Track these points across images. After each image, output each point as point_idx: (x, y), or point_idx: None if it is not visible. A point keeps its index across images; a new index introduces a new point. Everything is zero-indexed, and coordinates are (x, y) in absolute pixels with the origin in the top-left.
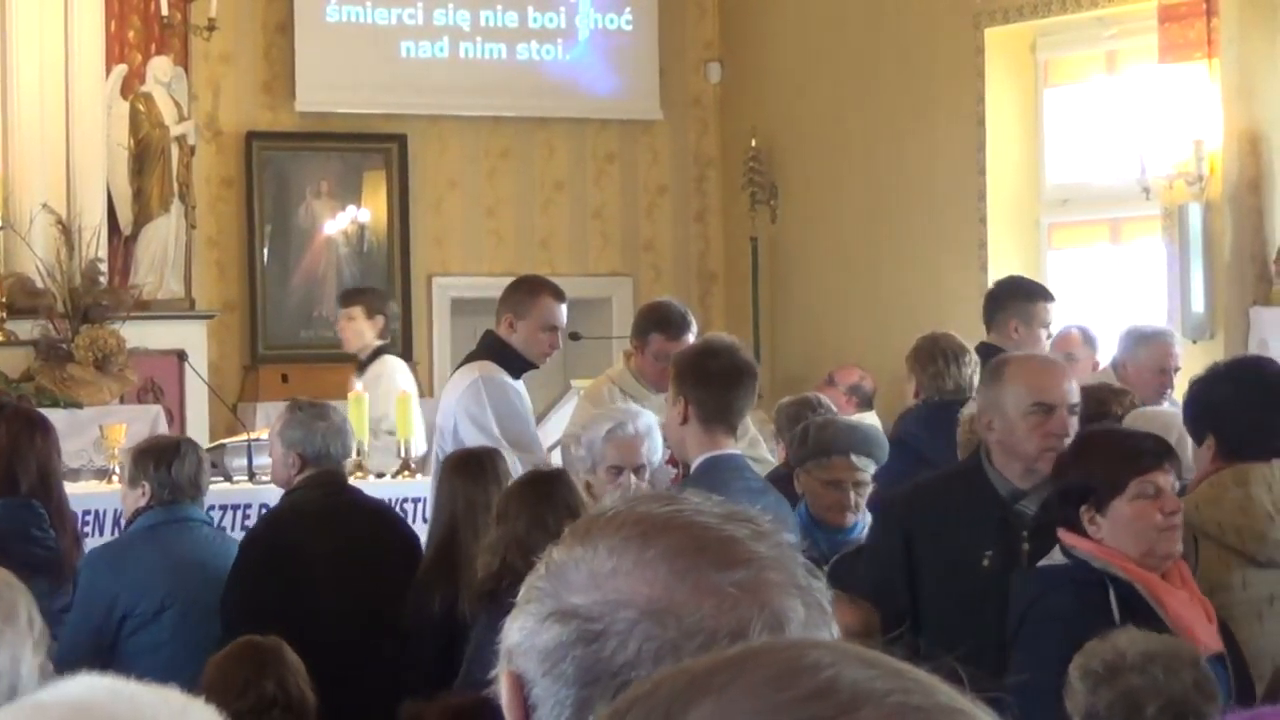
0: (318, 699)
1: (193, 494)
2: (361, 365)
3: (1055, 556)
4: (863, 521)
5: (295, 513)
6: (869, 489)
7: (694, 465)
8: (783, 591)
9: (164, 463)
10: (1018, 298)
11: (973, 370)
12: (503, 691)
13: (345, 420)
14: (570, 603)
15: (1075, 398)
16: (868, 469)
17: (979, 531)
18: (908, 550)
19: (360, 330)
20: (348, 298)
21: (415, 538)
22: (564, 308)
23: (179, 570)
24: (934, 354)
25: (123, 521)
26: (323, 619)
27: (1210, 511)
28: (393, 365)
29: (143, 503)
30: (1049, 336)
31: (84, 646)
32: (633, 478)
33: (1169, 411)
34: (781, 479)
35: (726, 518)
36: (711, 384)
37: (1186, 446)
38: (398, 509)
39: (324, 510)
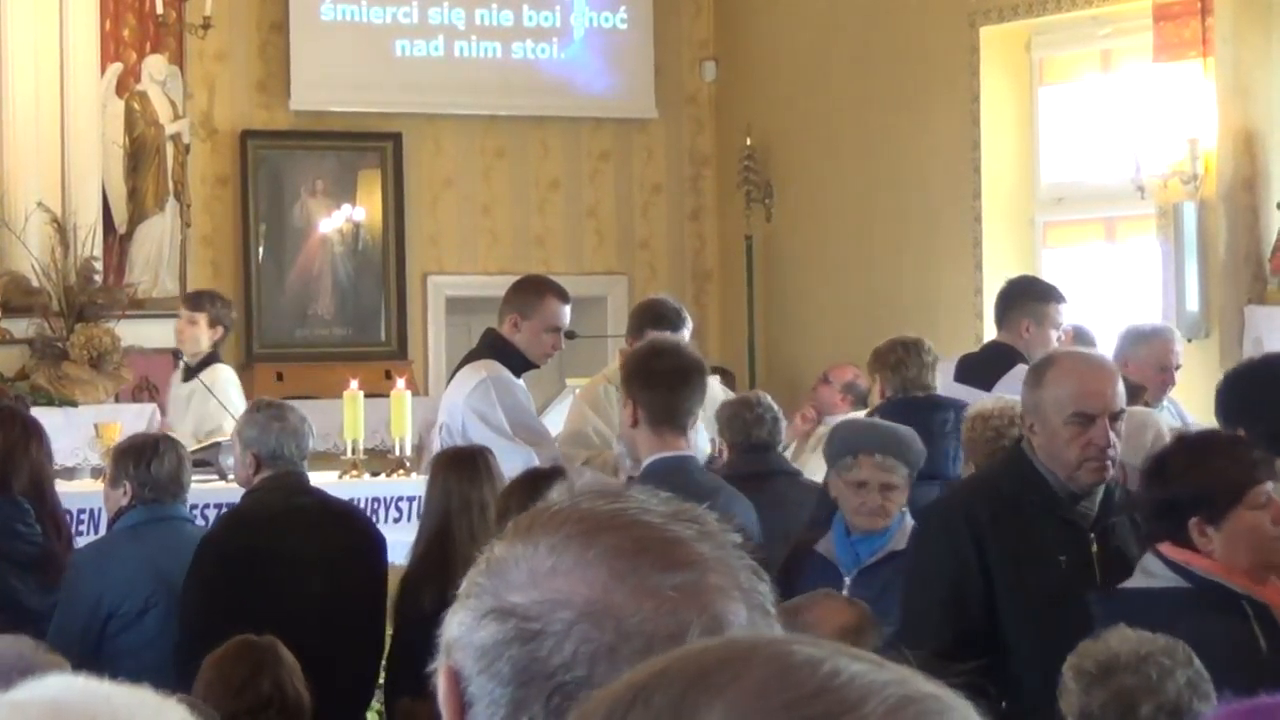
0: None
1: (174, 492)
2: (190, 370)
3: (1150, 572)
4: (894, 528)
5: (252, 514)
6: (901, 495)
7: (643, 466)
8: (724, 595)
9: (144, 461)
10: (1031, 297)
11: (933, 360)
12: (439, 685)
13: (304, 421)
14: (509, 601)
15: (1119, 404)
16: (897, 471)
17: (1046, 533)
18: (980, 552)
19: (199, 336)
20: (197, 301)
21: (381, 538)
22: (568, 309)
23: (162, 569)
24: (892, 349)
25: (105, 521)
26: (282, 620)
27: None
28: (225, 375)
29: (124, 502)
30: (1059, 339)
31: (70, 647)
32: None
33: (1144, 410)
34: (729, 481)
35: (672, 517)
36: (658, 386)
37: (1162, 445)
38: (394, 508)
39: (284, 511)
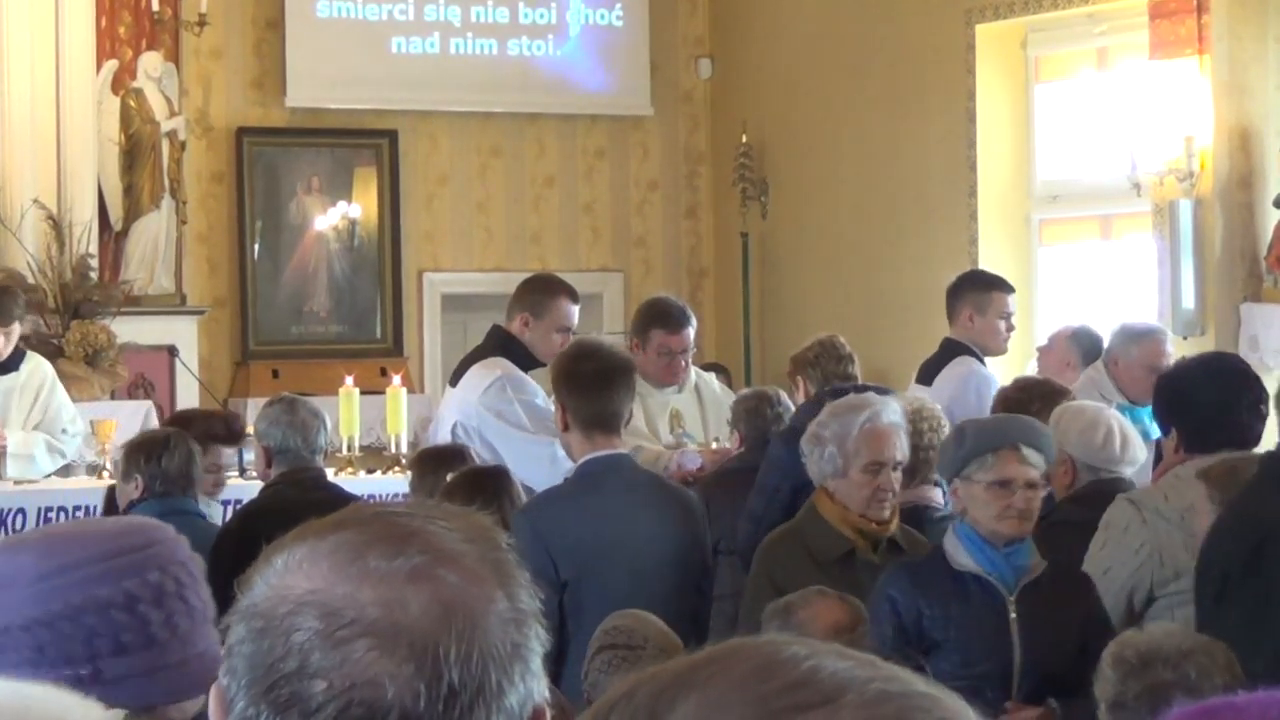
0: None
1: (184, 485)
2: (4, 366)
3: None
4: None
5: (269, 507)
6: (1041, 495)
7: (577, 466)
8: (463, 577)
9: (154, 456)
10: (971, 287)
11: (849, 353)
12: (211, 694)
13: (312, 415)
14: (246, 601)
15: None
16: (1039, 465)
17: None
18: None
19: (12, 337)
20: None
21: None
22: (577, 309)
23: None
24: (809, 348)
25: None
26: None
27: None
28: (46, 363)
29: (136, 495)
30: (1010, 329)
31: None
32: (892, 475)
33: (1095, 406)
34: (736, 473)
35: (424, 517)
36: (584, 389)
37: (1114, 442)
38: None
39: (301, 505)
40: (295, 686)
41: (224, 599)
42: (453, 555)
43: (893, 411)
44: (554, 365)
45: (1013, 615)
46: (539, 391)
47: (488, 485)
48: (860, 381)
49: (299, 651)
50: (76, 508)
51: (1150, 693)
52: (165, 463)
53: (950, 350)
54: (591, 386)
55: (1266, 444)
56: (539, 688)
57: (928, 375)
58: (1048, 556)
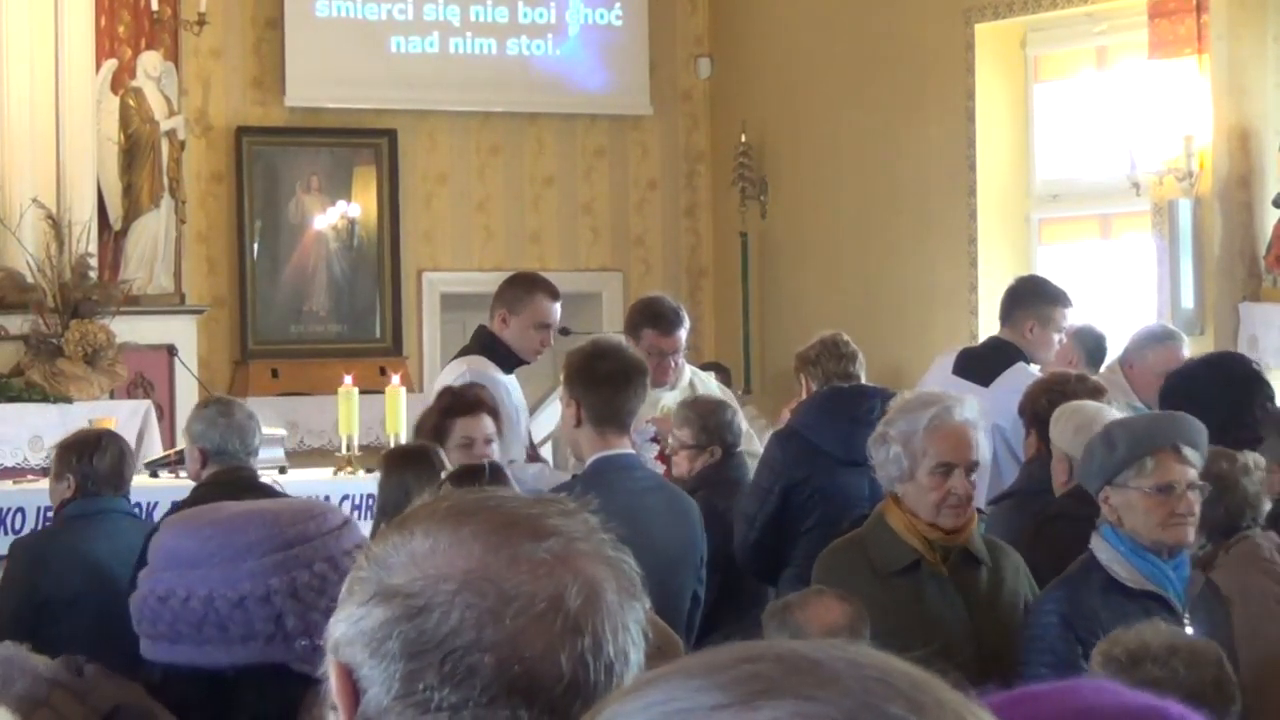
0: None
1: (115, 485)
2: None
3: None
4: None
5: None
6: (1202, 497)
7: (587, 464)
8: (594, 560)
9: (86, 455)
10: (1039, 299)
11: (852, 352)
12: (331, 683)
13: (249, 417)
14: (391, 584)
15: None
16: (1198, 466)
17: None
18: None
19: None
20: None
21: None
22: (558, 306)
23: (95, 562)
24: (811, 347)
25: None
26: None
27: None
28: None
29: (68, 495)
30: (1060, 342)
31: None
32: (967, 480)
33: (1095, 406)
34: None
35: (532, 501)
36: (602, 386)
37: None
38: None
39: None
40: (471, 659)
41: None
42: (576, 537)
43: (967, 408)
44: (569, 362)
45: (1189, 633)
46: (509, 390)
47: (483, 481)
48: (864, 382)
49: (474, 625)
50: None
51: (1139, 689)
52: (96, 462)
53: (1005, 353)
54: (608, 385)
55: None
56: (638, 658)
57: (978, 373)
58: (1046, 554)
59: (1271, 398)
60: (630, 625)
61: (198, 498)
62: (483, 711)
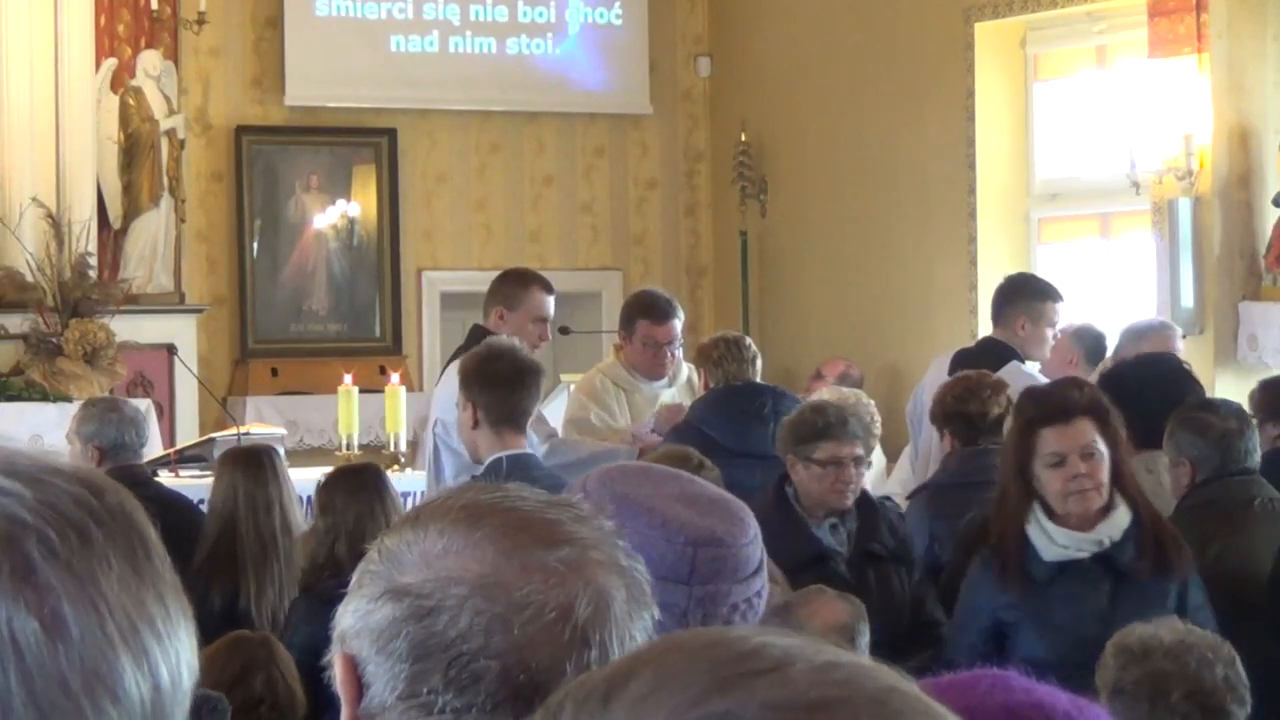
0: None
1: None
2: None
3: None
4: None
5: None
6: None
7: (485, 463)
8: (605, 570)
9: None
10: (1028, 295)
11: (753, 355)
12: (336, 673)
13: (138, 412)
14: (402, 582)
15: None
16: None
17: None
18: None
19: None
20: None
21: None
22: (552, 300)
23: None
24: (715, 345)
25: None
26: None
27: None
28: None
29: None
30: (1055, 337)
31: None
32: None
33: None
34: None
35: (548, 504)
36: (496, 387)
37: None
38: None
39: None
40: (477, 665)
41: None
42: (589, 545)
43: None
44: (464, 365)
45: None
46: None
47: (368, 483)
48: (760, 381)
49: (482, 631)
50: None
51: (1149, 680)
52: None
53: (997, 352)
54: (503, 385)
55: None
56: None
57: None
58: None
59: (1201, 396)
60: (637, 635)
61: None
62: (485, 718)
